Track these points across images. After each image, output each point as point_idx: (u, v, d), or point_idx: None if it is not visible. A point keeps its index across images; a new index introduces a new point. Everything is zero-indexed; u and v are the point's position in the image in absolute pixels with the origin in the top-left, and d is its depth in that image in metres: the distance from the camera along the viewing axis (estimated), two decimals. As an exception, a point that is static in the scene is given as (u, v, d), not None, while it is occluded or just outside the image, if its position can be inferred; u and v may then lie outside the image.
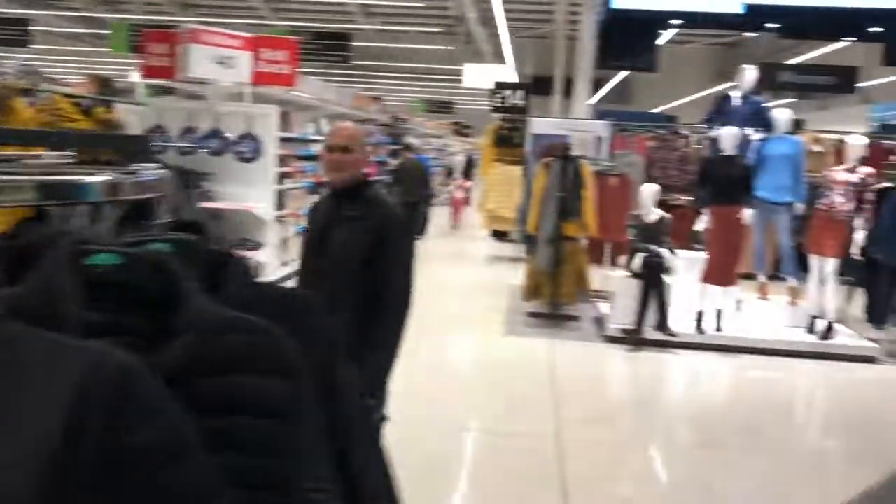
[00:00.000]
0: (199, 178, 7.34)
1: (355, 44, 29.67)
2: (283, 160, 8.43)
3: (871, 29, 7.38)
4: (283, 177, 8.78)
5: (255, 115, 8.14)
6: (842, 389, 6.40)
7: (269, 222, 8.02)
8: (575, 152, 9.24)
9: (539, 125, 11.61)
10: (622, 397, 6.03)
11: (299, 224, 8.31)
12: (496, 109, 12.27)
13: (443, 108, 34.28)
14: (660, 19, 7.51)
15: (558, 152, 7.64)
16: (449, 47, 27.26)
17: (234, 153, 8.06)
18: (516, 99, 12.21)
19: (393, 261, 2.78)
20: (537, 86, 32.25)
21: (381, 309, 2.78)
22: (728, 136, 7.11)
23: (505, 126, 11.82)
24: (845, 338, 7.29)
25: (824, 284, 7.21)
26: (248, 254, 8.08)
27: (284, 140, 8.57)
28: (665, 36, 22.56)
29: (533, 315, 7.69)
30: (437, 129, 24.75)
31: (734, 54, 36.03)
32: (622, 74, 31.54)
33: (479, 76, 21.13)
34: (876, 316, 7.43)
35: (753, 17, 7.36)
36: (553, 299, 7.64)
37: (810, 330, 7.37)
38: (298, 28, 21.36)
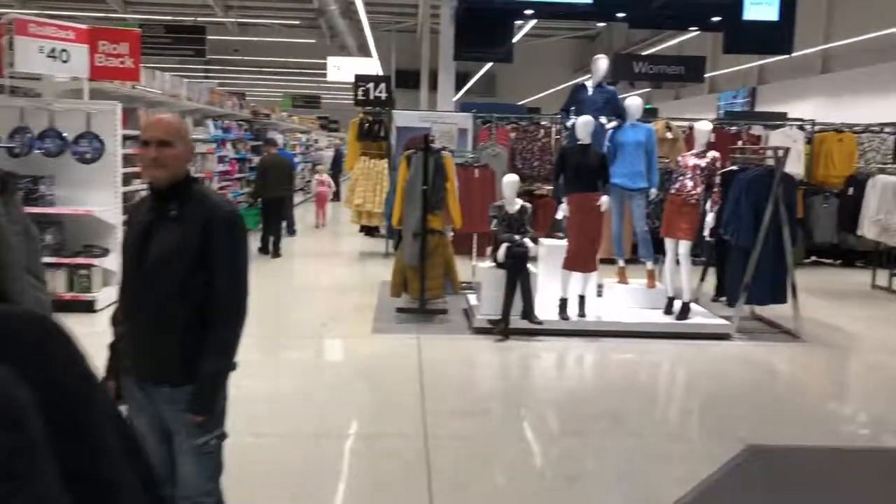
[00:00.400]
0: (19, 181, 6.69)
1: (214, 38, 28.62)
2: (129, 160, 7.88)
3: (712, 19, 7.69)
4: (130, 178, 8.22)
5: (95, 113, 7.56)
6: (697, 367, 6.63)
7: (115, 227, 7.47)
8: (438, 144, 9.25)
9: (403, 118, 11.55)
10: (490, 389, 5.98)
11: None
12: (358, 103, 12.03)
13: (309, 103, 33.61)
14: (513, 10, 7.53)
15: (419, 145, 7.52)
16: (311, 41, 26.75)
17: (74, 154, 7.47)
18: (379, 92, 12.00)
19: (222, 263, 2.54)
20: (405, 79, 32.27)
21: (212, 316, 2.53)
22: (582, 124, 7.22)
23: (367, 119, 11.61)
24: (700, 317, 7.59)
25: (679, 266, 7.47)
26: (94, 261, 7.54)
27: (130, 139, 8.01)
28: (521, 27, 23.00)
29: (401, 311, 7.55)
30: (302, 125, 24.15)
31: (594, 47, 37.35)
32: (487, 67, 32.05)
33: (343, 70, 20.81)
34: (728, 294, 7.78)
35: (602, 8, 7.50)
36: (421, 294, 7.54)
37: (668, 311, 7.63)
38: (150, 21, 20.34)
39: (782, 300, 7.46)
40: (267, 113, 16.59)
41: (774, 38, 7.68)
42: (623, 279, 8.14)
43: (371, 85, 12.15)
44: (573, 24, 37.92)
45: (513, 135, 11.79)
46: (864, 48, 18.83)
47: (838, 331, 7.89)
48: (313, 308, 8.22)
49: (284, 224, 12.48)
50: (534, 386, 6.10)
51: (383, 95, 12.08)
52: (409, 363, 6.16)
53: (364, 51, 27.87)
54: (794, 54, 21.06)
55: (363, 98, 12.09)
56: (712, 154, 7.42)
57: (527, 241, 7.24)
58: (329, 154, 23.96)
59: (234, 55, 31.76)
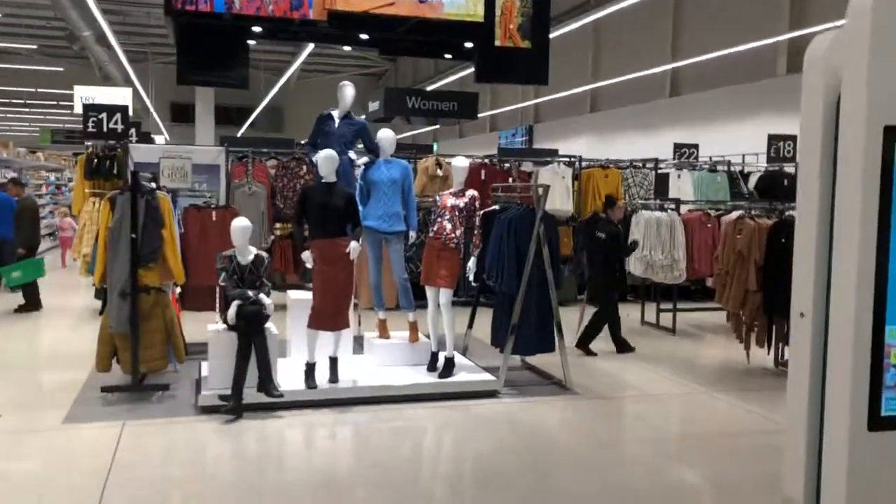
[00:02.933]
0: None
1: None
2: None
3: (466, 45, 7.08)
4: None
5: None
6: (459, 435, 5.82)
7: None
8: (173, 183, 7.93)
9: (142, 153, 9.98)
10: (199, 491, 4.72)
11: None
12: (89, 135, 10.33)
13: (72, 138, 30.41)
14: (237, 28, 6.47)
15: (125, 185, 6.19)
16: (59, 69, 24.06)
17: None
18: (114, 123, 10.38)
19: None
20: (182, 113, 29.93)
21: None
22: (324, 160, 6.25)
23: (96, 154, 9.98)
24: (466, 372, 6.82)
25: (440, 316, 6.69)
26: None
27: None
28: (296, 60, 21.97)
29: (108, 390, 6.09)
30: (53, 162, 21.42)
31: (381, 84, 37.18)
32: (266, 101, 30.67)
33: (97, 101, 18.61)
34: (495, 343, 7.11)
35: (341, 27, 6.63)
36: (134, 367, 6.14)
37: (432, 367, 6.80)
38: None
39: (550, 349, 6.89)
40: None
41: (529, 66, 7.19)
42: (384, 333, 7.24)
43: (104, 115, 10.50)
44: (358, 62, 37.71)
45: (272, 171, 10.66)
46: (628, 87, 19.75)
47: (608, 377, 7.47)
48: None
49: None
50: (259, 480, 4.92)
51: (119, 127, 10.46)
52: (95, 464, 4.76)
53: (129, 81, 25.57)
54: (565, 93, 21.84)
55: (94, 130, 10.40)
56: (471, 193, 6.74)
57: (262, 297, 6.13)
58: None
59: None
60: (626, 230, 9.41)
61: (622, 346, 8.41)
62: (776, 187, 10.28)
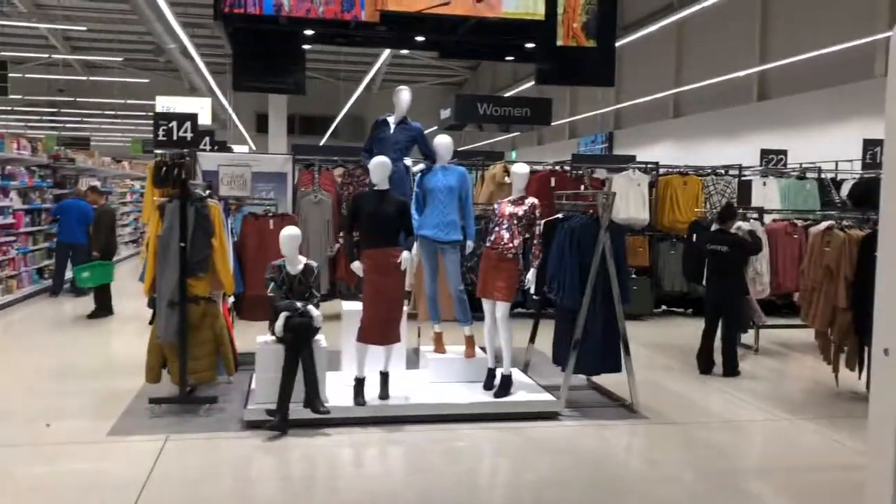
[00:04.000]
0: None
1: (39, 76, 26.20)
2: None
3: (527, 45, 6.70)
4: None
5: None
6: (515, 458, 5.44)
7: None
8: (232, 191, 7.86)
9: (210, 160, 10.00)
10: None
11: None
12: (159, 144, 10.46)
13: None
14: (289, 32, 6.29)
15: (176, 193, 6.09)
16: (145, 81, 24.86)
17: None
18: (183, 131, 10.48)
19: None
20: (262, 123, 30.46)
21: None
22: (375, 166, 6.00)
23: (164, 162, 10.03)
24: (525, 392, 6.43)
25: (498, 331, 6.33)
26: None
27: None
28: (380, 72, 22.03)
29: (155, 402, 5.98)
30: (138, 171, 22.03)
31: (461, 93, 37.09)
32: (346, 110, 30.98)
33: (177, 111, 19.08)
34: (557, 362, 6.70)
35: (394, 29, 6.37)
36: (181, 378, 6.02)
37: (488, 385, 6.44)
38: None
39: (615, 368, 6.43)
40: (71, 158, 14.61)
41: (594, 67, 6.75)
42: (440, 347, 6.93)
43: (174, 124, 10.62)
44: (438, 71, 37.75)
45: (339, 180, 10.54)
46: (711, 93, 18.91)
47: (681, 399, 6.94)
48: (53, 398, 6.51)
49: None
50: (290, 503, 4.68)
51: (188, 135, 10.56)
52: (130, 481, 4.61)
53: (214, 92, 26.22)
54: (646, 98, 21.14)
55: (164, 139, 10.53)
56: (531, 201, 6.37)
57: (311, 309, 5.91)
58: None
59: (79, 97, 29.27)
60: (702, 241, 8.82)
61: (707, 364, 7.84)
62: (872, 195, 9.48)
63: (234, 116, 27.31)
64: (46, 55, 24.44)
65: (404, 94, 6.70)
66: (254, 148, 31.61)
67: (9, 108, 29.39)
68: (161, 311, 5.98)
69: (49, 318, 10.84)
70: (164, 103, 19.08)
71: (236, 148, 22.39)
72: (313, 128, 35.96)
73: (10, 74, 20.99)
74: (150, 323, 6.24)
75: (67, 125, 34.83)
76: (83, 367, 7.72)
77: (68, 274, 12.16)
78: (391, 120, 6.78)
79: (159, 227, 6.04)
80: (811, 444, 5.85)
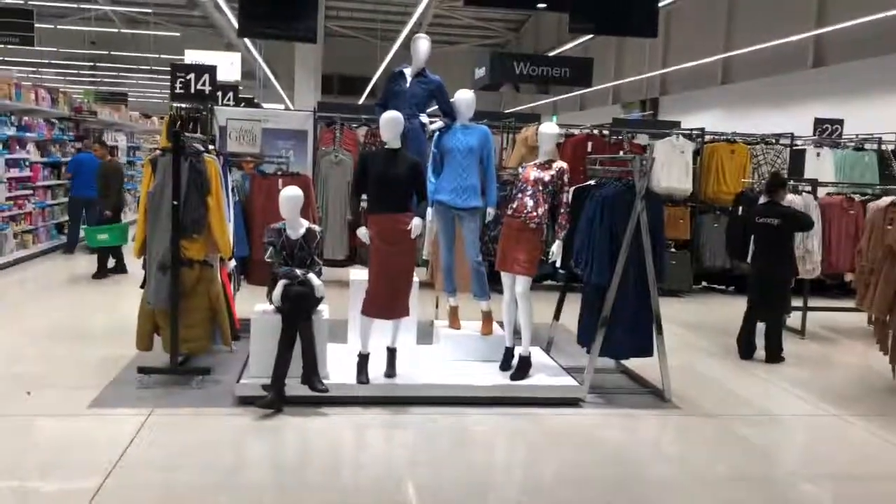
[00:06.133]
0: None
1: (74, 28, 25.91)
2: None
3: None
4: None
5: None
6: (529, 450, 4.91)
7: None
8: (241, 147, 7.38)
9: (226, 115, 9.54)
10: (211, 501, 4.05)
11: None
12: (175, 97, 10.02)
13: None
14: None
15: (170, 144, 5.58)
16: (176, 35, 24.41)
17: None
18: (202, 84, 10.02)
19: None
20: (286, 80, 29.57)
21: None
22: (386, 122, 5.42)
23: (179, 116, 9.58)
24: (545, 374, 5.88)
25: (517, 307, 5.77)
26: None
27: None
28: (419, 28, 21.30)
29: (144, 371, 5.55)
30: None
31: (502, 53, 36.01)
32: (380, 71, 30.23)
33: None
34: (582, 343, 6.12)
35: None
36: (173, 347, 5.58)
37: (505, 366, 5.90)
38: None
39: (646, 352, 5.83)
40: (94, 111, 14.25)
41: (633, 15, 6.05)
42: (455, 322, 6.40)
43: (192, 76, 10.15)
44: (480, 31, 36.70)
45: (362, 139, 10.00)
46: (763, 58, 17.86)
47: (718, 388, 6.34)
48: (42, 363, 6.13)
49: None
50: (276, 493, 4.20)
51: (207, 89, 10.09)
52: (98, 463, 4.17)
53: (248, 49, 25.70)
54: (694, 63, 20.08)
55: (182, 91, 10.07)
56: (558, 165, 5.75)
57: (312, 277, 5.41)
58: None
59: (91, 49, 28.92)
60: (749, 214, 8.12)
61: (749, 349, 7.20)
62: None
63: (267, 71, 26.75)
64: (86, 5, 24.09)
65: (422, 43, 6.08)
66: (291, 107, 31.10)
67: (45, 62, 29.20)
68: (151, 274, 5.53)
69: (61, 276, 10.54)
70: (193, 57, 18.61)
71: (270, 106, 21.94)
72: (353, 88, 35.27)
73: (44, 26, 20.73)
74: (142, 287, 5.80)
75: (105, 80, 34.68)
76: (81, 330, 7.35)
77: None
78: (408, 72, 6.17)
79: (151, 183, 5.55)
80: (862, 446, 5.21)
